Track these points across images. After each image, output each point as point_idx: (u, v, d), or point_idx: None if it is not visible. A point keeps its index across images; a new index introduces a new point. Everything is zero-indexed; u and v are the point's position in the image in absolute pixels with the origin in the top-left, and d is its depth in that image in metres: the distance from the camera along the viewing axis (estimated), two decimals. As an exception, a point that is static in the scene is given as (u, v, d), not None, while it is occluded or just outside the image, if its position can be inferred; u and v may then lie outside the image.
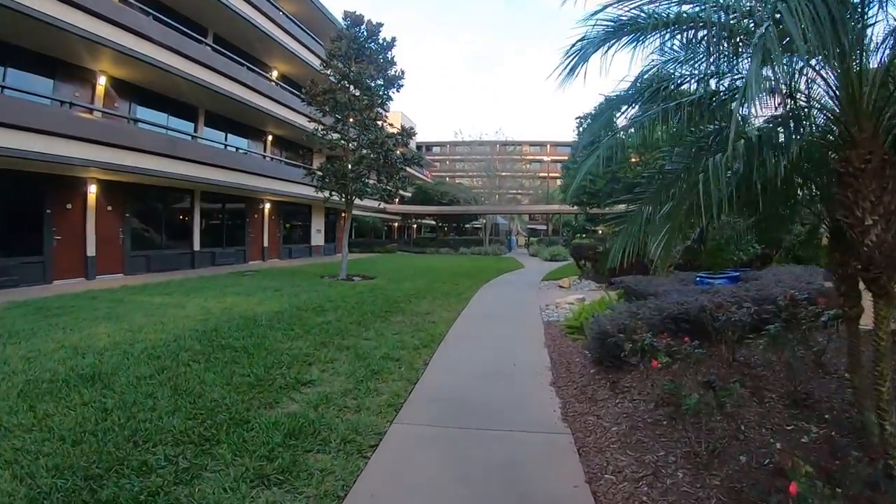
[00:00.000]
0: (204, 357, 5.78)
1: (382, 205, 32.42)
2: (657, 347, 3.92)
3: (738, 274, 8.33)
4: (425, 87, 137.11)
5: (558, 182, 58.88)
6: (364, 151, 13.07)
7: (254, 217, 21.75)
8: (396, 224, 47.51)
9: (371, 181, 14.10)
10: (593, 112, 14.78)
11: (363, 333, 7.30)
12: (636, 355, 4.16)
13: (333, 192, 13.40)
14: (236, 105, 18.08)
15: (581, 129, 14.65)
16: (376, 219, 37.42)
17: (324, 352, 6.21)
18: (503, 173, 40.04)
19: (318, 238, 26.53)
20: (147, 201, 16.59)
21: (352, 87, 13.27)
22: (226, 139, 19.89)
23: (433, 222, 44.88)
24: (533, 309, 9.75)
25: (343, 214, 30.39)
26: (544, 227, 49.88)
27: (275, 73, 22.17)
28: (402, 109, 61.61)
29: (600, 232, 47.32)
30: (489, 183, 39.38)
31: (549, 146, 53.47)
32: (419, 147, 65.92)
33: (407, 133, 13.48)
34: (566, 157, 69.72)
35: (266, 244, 22.38)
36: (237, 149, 20.01)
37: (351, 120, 13.20)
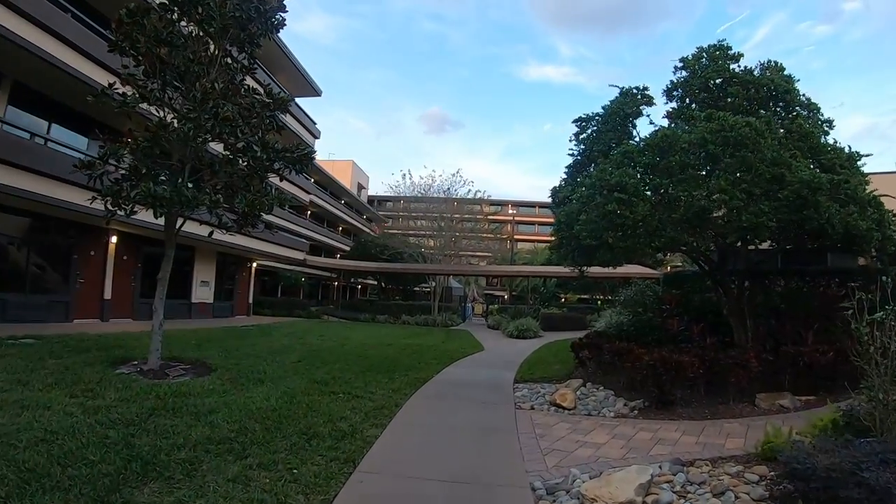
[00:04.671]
0: None
1: (304, 256, 25.97)
2: None
3: None
4: (383, 143, 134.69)
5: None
6: (198, 134, 6.75)
7: (89, 255, 14.67)
8: (336, 283, 40.58)
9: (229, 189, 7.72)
10: (603, 111, 9.39)
11: None
12: None
13: (122, 204, 6.89)
14: (59, 76, 11.66)
15: (584, 136, 9.01)
16: (299, 274, 30.47)
17: None
18: (458, 233, 34.00)
19: (203, 292, 19.36)
20: None
21: (194, 27, 7.27)
22: (48, 131, 13.25)
23: (374, 282, 38.38)
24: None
25: (247, 264, 23.37)
26: (504, 294, 44.17)
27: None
28: (354, 159, 56.55)
29: (563, 300, 41.95)
30: (444, 242, 33.06)
31: (510, 206, 48.90)
32: (371, 201, 60.29)
33: (276, 102, 7.37)
34: (528, 218, 65.68)
35: (109, 296, 15.20)
36: (39, 137, 12.78)
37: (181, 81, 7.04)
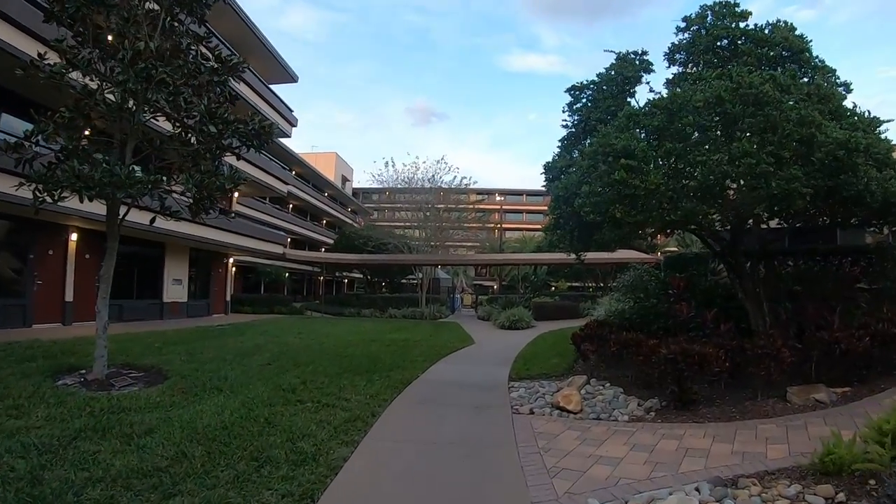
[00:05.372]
0: None
1: (283, 250, 24.87)
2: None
3: None
4: (369, 137, 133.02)
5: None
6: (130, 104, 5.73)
7: (47, 254, 13.54)
8: (320, 278, 39.45)
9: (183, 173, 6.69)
10: (598, 79, 8.58)
11: None
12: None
13: (51, 189, 5.84)
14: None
15: (578, 106, 8.17)
16: (281, 269, 29.32)
17: None
18: (444, 223, 32.77)
19: (175, 291, 18.23)
20: None
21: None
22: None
23: (360, 276, 37.30)
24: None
25: (225, 260, 22.18)
26: (493, 283, 43.33)
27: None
28: (337, 151, 55.16)
29: (554, 288, 41.14)
30: (430, 232, 31.83)
31: (497, 194, 47.99)
32: (356, 194, 58.91)
33: (227, 66, 6.34)
34: (516, 207, 64.84)
35: (71, 298, 14.08)
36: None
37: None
